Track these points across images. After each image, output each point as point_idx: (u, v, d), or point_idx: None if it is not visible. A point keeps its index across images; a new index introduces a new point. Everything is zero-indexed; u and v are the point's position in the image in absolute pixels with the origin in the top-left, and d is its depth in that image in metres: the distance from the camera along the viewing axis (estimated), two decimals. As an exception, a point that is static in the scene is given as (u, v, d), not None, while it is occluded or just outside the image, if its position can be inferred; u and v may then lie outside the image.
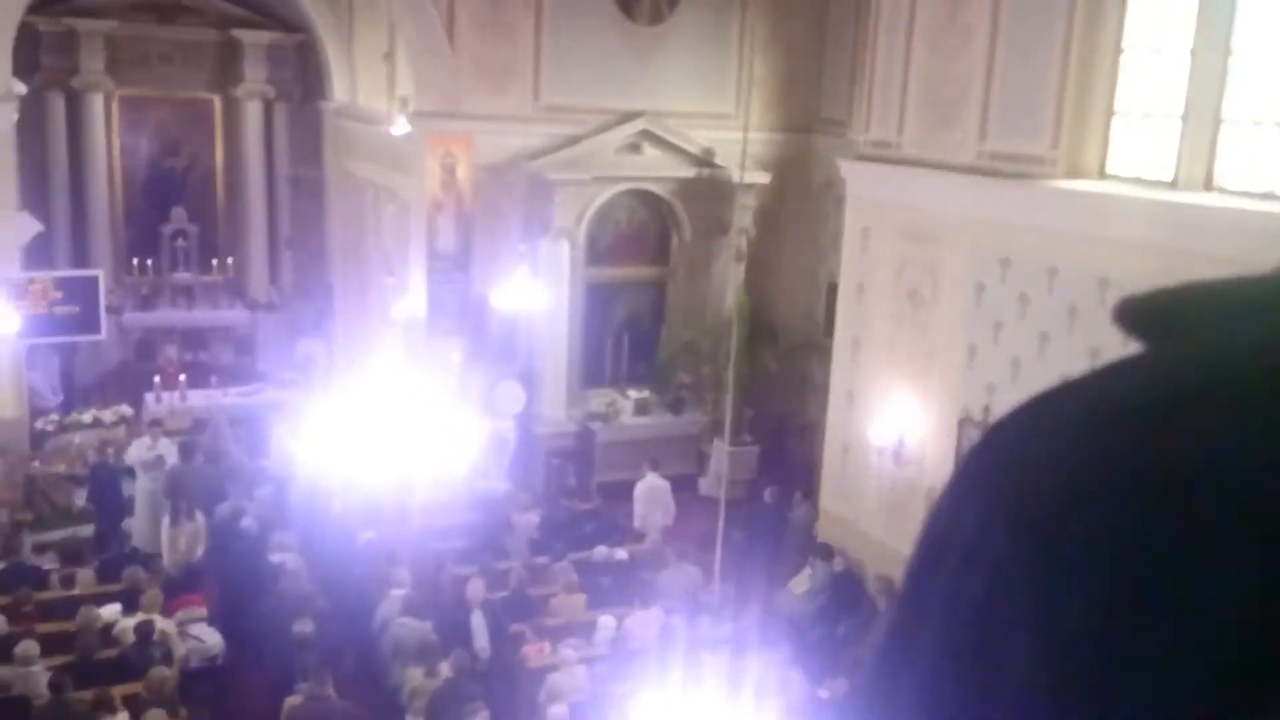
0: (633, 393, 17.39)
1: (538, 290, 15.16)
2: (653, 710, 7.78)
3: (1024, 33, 10.88)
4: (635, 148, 16.70)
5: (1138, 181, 10.13)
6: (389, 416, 11.98)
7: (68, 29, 20.55)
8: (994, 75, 11.21)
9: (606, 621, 10.97)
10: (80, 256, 21.07)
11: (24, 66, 17.26)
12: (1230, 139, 9.57)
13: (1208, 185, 9.62)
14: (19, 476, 14.44)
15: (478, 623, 10.38)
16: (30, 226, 15.97)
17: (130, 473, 14.24)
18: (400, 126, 17.35)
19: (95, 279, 15.76)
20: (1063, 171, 10.57)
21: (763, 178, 16.91)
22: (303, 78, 22.56)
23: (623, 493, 14.56)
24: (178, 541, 12.09)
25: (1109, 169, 10.49)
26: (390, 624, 10.77)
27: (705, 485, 17.02)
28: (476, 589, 10.65)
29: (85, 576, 11.71)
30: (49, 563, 12.28)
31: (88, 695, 9.01)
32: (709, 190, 16.97)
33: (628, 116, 16.53)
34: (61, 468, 14.72)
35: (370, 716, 9.96)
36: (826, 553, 13.04)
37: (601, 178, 16.36)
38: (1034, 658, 0.51)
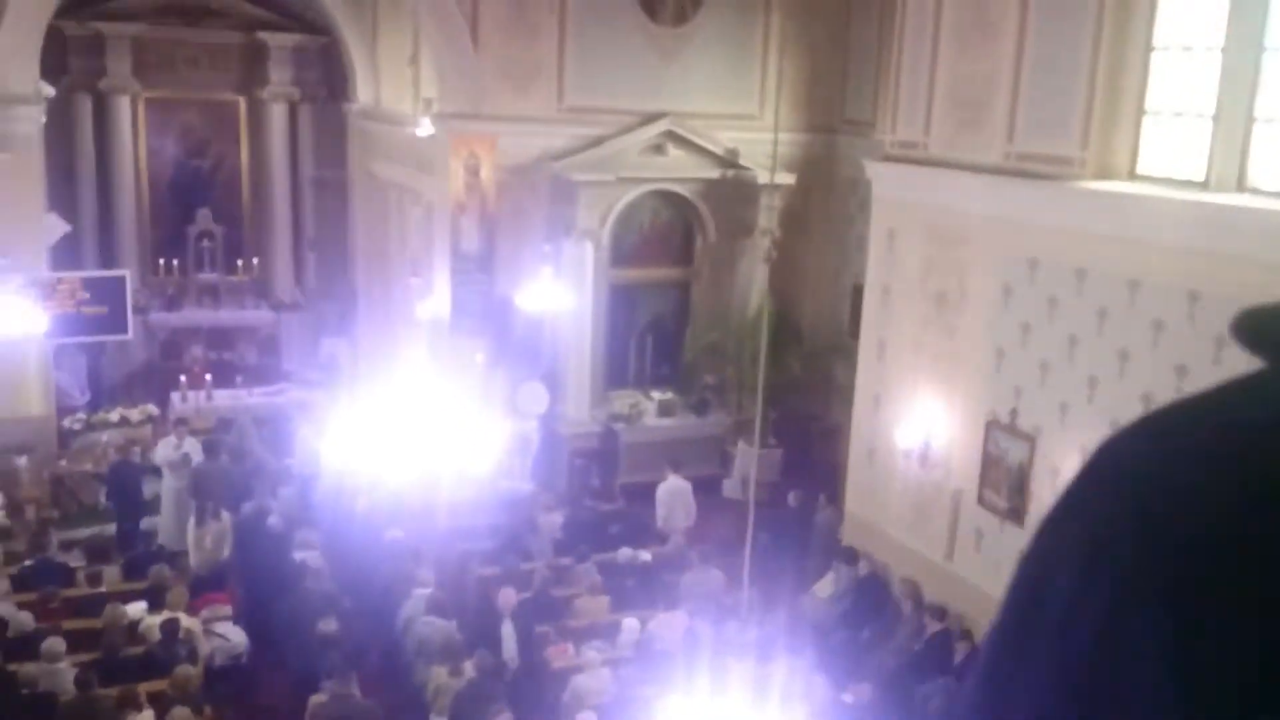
0: (656, 394, 17.36)
1: (562, 291, 15.16)
2: (678, 714, 7.74)
3: (1052, 31, 10.79)
4: (659, 149, 16.69)
5: (1169, 182, 10.01)
6: (413, 416, 11.99)
7: (95, 32, 20.70)
8: (1022, 75, 11.12)
9: (630, 624, 10.94)
10: (107, 257, 21.21)
11: (52, 70, 17.40)
12: (1263, 138, 9.44)
13: (1240, 186, 9.50)
14: (46, 475, 14.54)
15: (507, 632, 10.34)
16: (58, 227, 16.08)
17: (153, 471, 14.33)
18: (424, 128, 17.39)
19: (123, 279, 15.83)
20: (1092, 172, 10.47)
21: (787, 179, 16.85)
22: (327, 79, 22.66)
23: (646, 494, 14.54)
24: (204, 541, 12.12)
25: (1139, 169, 10.38)
26: (414, 623, 10.77)
27: (729, 487, 16.99)
28: (508, 597, 10.59)
29: (111, 574, 11.77)
30: (75, 560, 12.35)
31: (113, 692, 9.03)
32: (733, 191, 16.94)
33: (652, 117, 16.53)
34: (88, 466, 14.81)
35: (394, 715, 9.96)
36: (851, 556, 12.98)
37: (625, 179, 16.35)
38: (1167, 667, 0.49)
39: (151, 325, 21.42)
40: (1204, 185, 9.65)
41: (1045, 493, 10.92)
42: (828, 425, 17.31)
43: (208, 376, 18.43)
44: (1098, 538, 0.53)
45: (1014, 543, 11.34)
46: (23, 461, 14.13)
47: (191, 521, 12.29)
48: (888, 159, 13.24)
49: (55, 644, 9.56)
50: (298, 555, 11.90)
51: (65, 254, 17.65)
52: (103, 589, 11.35)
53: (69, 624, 10.39)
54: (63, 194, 18.97)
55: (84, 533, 13.60)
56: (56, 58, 19.17)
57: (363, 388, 16.52)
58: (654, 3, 16.63)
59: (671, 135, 16.64)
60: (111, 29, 20.76)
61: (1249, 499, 0.49)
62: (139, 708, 8.98)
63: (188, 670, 9.42)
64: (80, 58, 20.80)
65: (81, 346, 17.95)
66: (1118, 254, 10.01)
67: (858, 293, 15.57)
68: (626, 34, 16.49)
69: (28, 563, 11.77)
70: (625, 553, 12.44)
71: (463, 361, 16.22)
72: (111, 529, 13.78)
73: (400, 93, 20.40)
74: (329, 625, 10.26)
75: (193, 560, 12.07)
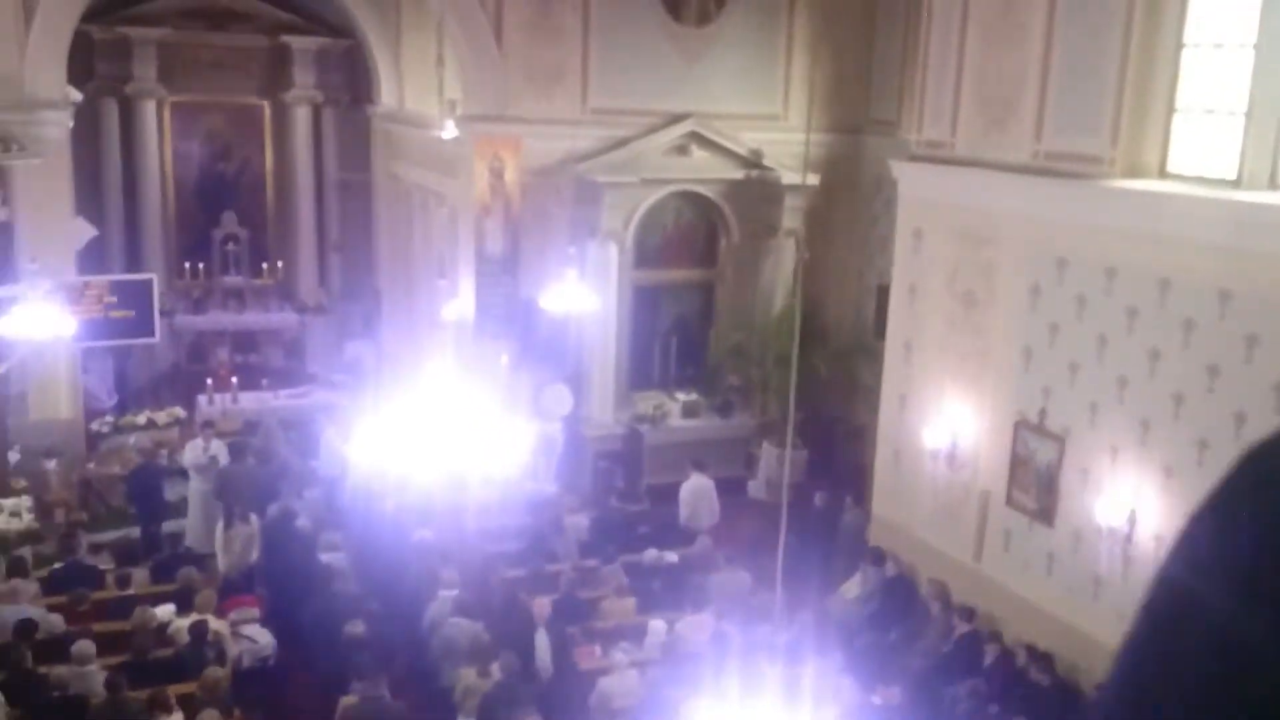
0: (681, 395, 17.34)
1: (586, 293, 15.13)
2: (707, 717, 7.71)
3: (1081, 29, 10.71)
4: (683, 149, 16.67)
5: (1199, 180, 9.92)
6: (438, 418, 11.97)
7: (121, 37, 20.81)
8: (1050, 73, 11.03)
9: (657, 625, 10.92)
10: (133, 261, 21.32)
11: (79, 74, 17.50)
12: (1296, 136, 9.36)
13: (1273, 184, 9.40)
14: (75, 478, 14.63)
15: (541, 640, 10.31)
16: (85, 231, 16.17)
17: (179, 474, 14.41)
18: (449, 130, 17.41)
19: (149, 283, 15.91)
20: (1121, 171, 10.38)
21: (812, 179, 16.78)
22: (351, 82, 22.72)
23: (671, 495, 14.52)
24: (233, 544, 12.16)
25: (1170, 168, 10.29)
26: (441, 624, 10.77)
27: (754, 488, 16.95)
28: (543, 607, 10.54)
29: (140, 577, 11.82)
30: (104, 563, 12.41)
31: (143, 695, 9.07)
32: (757, 192, 16.89)
33: (675, 118, 16.51)
34: (116, 469, 14.89)
35: (421, 716, 9.96)
36: (878, 557, 12.92)
37: (649, 180, 16.33)
38: None
39: (177, 328, 21.53)
40: (1236, 183, 9.56)
41: (1075, 493, 10.84)
42: (852, 426, 17.24)
43: (234, 379, 18.52)
44: (1265, 547, 0.50)
45: (1043, 543, 11.26)
46: (52, 465, 14.22)
47: (220, 525, 12.33)
48: (914, 159, 13.17)
49: (85, 646, 9.60)
50: (323, 557, 11.93)
51: (92, 258, 17.74)
52: (131, 591, 11.39)
53: (99, 626, 10.44)
54: (89, 198, 19.07)
55: (112, 535, 13.69)
56: (83, 62, 19.29)
57: (387, 390, 16.53)
58: (678, 3, 16.61)
59: (695, 136, 16.61)
60: (137, 33, 20.87)
61: None
62: (169, 710, 9.01)
63: (216, 672, 9.46)
64: (106, 62, 20.92)
65: (108, 350, 18.05)
66: (1148, 253, 9.93)
67: (882, 293, 15.50)
68: (650, 35, 16.48)
69: (57, 565, 11.84)
70: (651, 554, 12.42)
71: (487, 363, 16.24)
72: (138, 532, 13.86)
73: (424, 95, 20.41)
74: (356, 627, 10.27)
75: (221, 564, 12.11)
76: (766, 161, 16.82)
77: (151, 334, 15.99)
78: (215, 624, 10.37)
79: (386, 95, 21.27)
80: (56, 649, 9.82)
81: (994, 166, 11.75)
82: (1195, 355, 9.54)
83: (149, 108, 21.42)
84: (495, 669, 9.69)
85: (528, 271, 16.26)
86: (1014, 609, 11.53)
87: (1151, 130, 10.31)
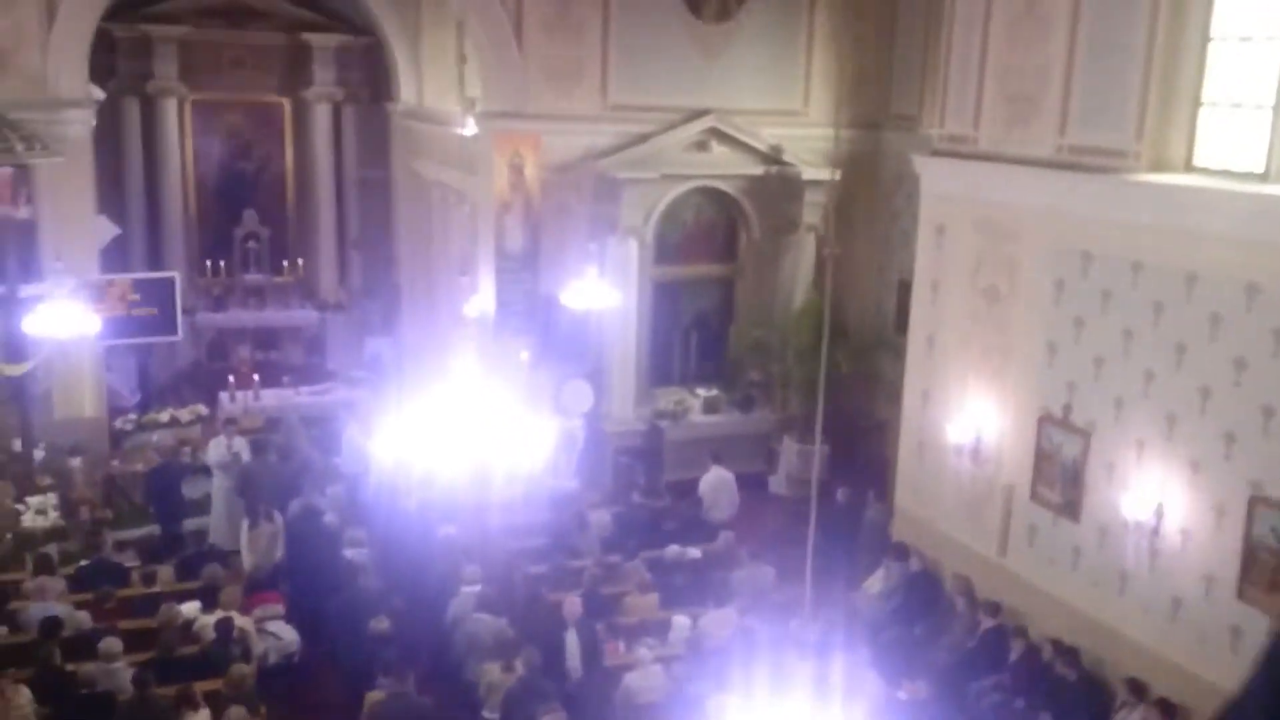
0: (701, 391, 17.34)
1: (606, 289, 15.14)
2: (732, 712, 7.69)
3: (1106, 22, 10.63)
4: (703, 145, 16.66)
5: (1226, 174, 9.85)
6: (461, 414, 12.00)
7: (142, 35, 20.92)
8: (1074, 67, 10.96)
9: (681, 621, 10.92)
10: (155, 259, 21.45)
11: (100, 73, 17.59)
12: (1325, 129, 9.28)
13: (1301, 177, 9.34)
14: (99, 475, 14.70)
15: (571, 640, 10.30)
16: (108, 230, 16.25)
17: (201, 471, 14.47)
18: (469, 127, 17.43)
19: (172, 280, 16.00)
20: (1146, 165, 10.31)
21: (832, 174, 16.76)
22: (370, 80, 22.77)
23: (692, 491, 14.55)
24: (259, 542, 12.21)
25: (1196, 161, 10.21)
26: (464, 620, 10.78)
27: (775, 484, 16.93)
28: (573, 607, 10.52)
29: (165, 574, 11.87)
30: (129, 560, 12.47)
31: (170, 691, 9.11)
32: (777, 187, 16.87)
33: (695, 114, 16.50)
34: (139, 466, 14.94)
35: (445, 712, 9.98)
36: (902, 552, 12.89)
37: (669, 176, 16.34)
38: None
39: (198, 326, 21.64)
40: (1263, 177, 9.49)
41: (1100, 487, 10.79)
42: (873, 421, 17.20)
43: (255, 376, 18.59)
44: None
45: (1069, 538, 11.22)
46: (76, 462, 14.29)
47: (245, 523, 12.38)
48: (937, 153, 13.11)
49: (113, 644, 9.65)
50: (347, 553, 11.96)
51: (114, 256, 17.85)
52: (157, 589, 11.46)
53: (125, 623, 10.51)
54: (111, 197, 19.18)
55: (137, 533, 13.74)
56: (105, 61, 19.40)
57: (408, 386, 16.57)
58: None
59: (715, 132, 16.60)
60: (158, 31, 20.98)
61: None
62: (195, 707, 9.05)
63: (242, 669, 9.49)
64: (128, 61, 21.03)
65: (131, 348, 18.16)
66: (1174, 247, 9.86)
67: (903, 288, 15.46)
68: (670, 31, 16.47)
69: (84, 563, 11.91)
70: (674, 550, 12.41)
71: (507, 360, 16.26)
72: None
73: (444, 92, 20.46)
74: (381, 623, 10.30)
75: (247, 562, 12.16)
76: (786, 157, 16.79)
77: (174, 332, 16.08)
78: (240, 621, 10.41)
79: (406, 92, 21.31)
80: (84, 646, 9.87)
81: (1017, 161, 11.69)
82: (1222, 349, 9.48)
83: (170, 106, 21.53)
84: (519, 664, 9.70)
85: (548, 268, 16.28)
86: (1039, 604, 11.48)
87: (1177, 124, 10.23)
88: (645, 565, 12.07)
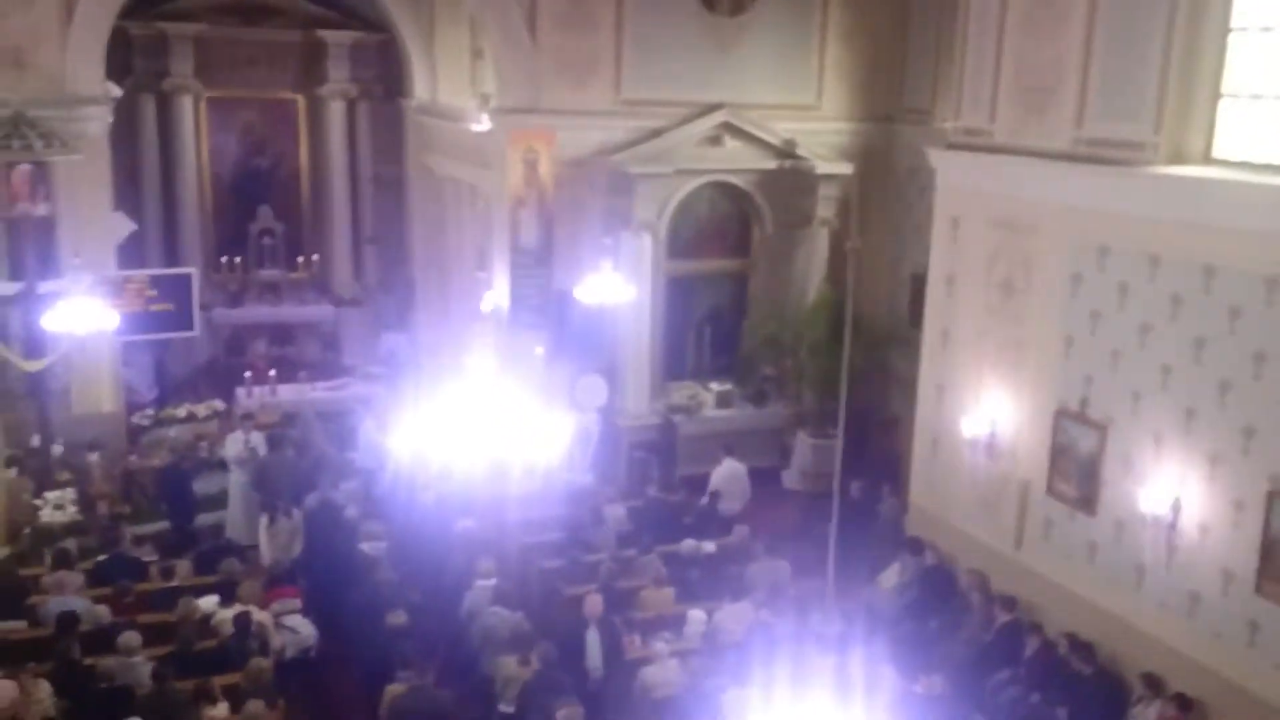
0: (715, 385, 17.35)
1: (620, 284, 15.14)
2: (748, 706, 7.71)
3: (1124, 12, 10.56)
4: (716, 140, 16.66)
5: (1245, 166, 9.79)
6: (476, 409, 12.02)
7: (158, 33, 20.98)
8: (1092, 58, 10.90)
9: (696, 615, 10.93)
10: (171, 255, 21.53)
11: (116, 70, 17.65)
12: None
13: (1321, 168, 9.28)
14: (117, 470, 14.78)
15: (592, 639, 10.30)
16: (124, 226, 16.30)
17: (218, 466, 14.50)
18: (482, 123, 17.45)
19: (189, 276, 16.06)
20: (1165, 157, 10.26)
21: (845, 168, 16.75)
22: (385, 76, 22.80)
23: (706, 485, 14.52)
24: (278, 538, 12.25)
25: (1215, 153, 10.15)
26: (479, 614, 10.81)
27: (789, 478, 16.93)
28: (595, 604, 10.48)
29: (183, 568, 11.92)
30: (147, 554, 12.51)
31: (189, 685, 9.16)
32: (790, 182, 16.86)
33: (709, 109, 16.50)
34: (157, 461, 15.02)
35: (462, 705, 9.99)
36: (916, 547, 12.87)
37: (683, 170, 16.35)
38: None
39: (214, 322, 21.71)
40: (1283, 168, 9.43)
41: (1117, 481, 10.75)
42: (887, 416, 17.17)
43: (271, 372, 18.66)
44: None
45: (1085, 532, 11.18)
46: (94, 458, 14.36)
47: (264, 519, 12.43)
48: (952, 146, 13.06)
49: (131, 638, 9.70)
50: (364, 547, 12.00)
51: (131, 253, 17.90)
52: (175, 583, 11.51)
53: (143, 618, 10.55)
54: (128, 194, 19.25)
55: (154, 528, 13.80)
56: (121, 58, 19.47)
57: (423, 381, 16.61)
58: (711, -7, 16.61)
59: (728, 126, 16.59)
60: (174, 29, 21.03)
61: None
62: (214, 701, 9.10)
63: (261, 663, 9.53)
64: (144, 58, 21.09)
65: (148, 343, 18.22)
66: (1192, 240, 9.81)
67: (917, 282, 15.41)
68: (683, 25, 16.48)
69: (102, 557, 11.96)
70: (689, 544, 12.41)
71: (522, 354, 16.29)
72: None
73: (458, 88, 20.48)
74: (398, 617, 10.33)
75: (266, 558, 12.21)
76: (800, 151, 16.77)
77: (191, 327, 16.13)
78: (258, 615, 10.45)
79: (420, 89, 21.34)
80: (103, 640, 9.92)
81: (1034, 154, 11.64)
82: (1241, 342, 9.43)
83: (186, 103, 21.59)
84: (534, 658, 9.72)
85: (562, 263, 16.30)
86: (1055, 598, 11.45)
87: (1197, 115, 10.18)
88: (661, 559, 12.07)
